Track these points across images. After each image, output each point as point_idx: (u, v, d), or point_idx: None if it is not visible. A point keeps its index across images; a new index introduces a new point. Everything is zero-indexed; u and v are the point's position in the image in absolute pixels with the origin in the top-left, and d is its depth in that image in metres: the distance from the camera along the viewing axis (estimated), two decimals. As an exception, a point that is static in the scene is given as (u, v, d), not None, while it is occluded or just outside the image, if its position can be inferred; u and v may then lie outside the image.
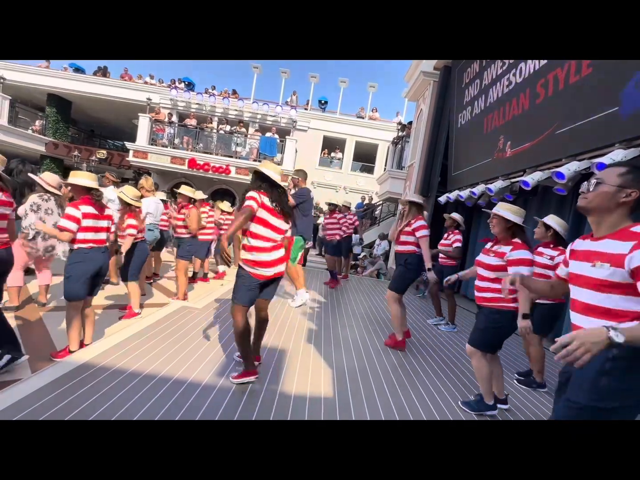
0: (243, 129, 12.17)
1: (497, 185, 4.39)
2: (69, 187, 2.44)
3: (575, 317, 1.20)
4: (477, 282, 2.11)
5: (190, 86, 14.17)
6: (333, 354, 2.76)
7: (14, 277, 3.21)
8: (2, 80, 11.99)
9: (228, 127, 12.13)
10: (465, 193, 5.24)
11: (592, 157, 3.11)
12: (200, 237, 4.32)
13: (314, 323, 3.46)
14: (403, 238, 2.99)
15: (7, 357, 2.03)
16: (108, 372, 1.97)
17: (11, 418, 1.46)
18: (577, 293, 1.20)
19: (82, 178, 2.36)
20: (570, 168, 3.16)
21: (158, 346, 2.40)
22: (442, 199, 6.10)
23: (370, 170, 14.30)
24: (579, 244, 1.27)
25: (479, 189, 4.87)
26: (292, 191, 4.08)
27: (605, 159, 2.77)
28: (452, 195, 5.76)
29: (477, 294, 2.10)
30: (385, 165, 10.72)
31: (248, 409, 1.83)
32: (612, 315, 1.08)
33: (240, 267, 2.10)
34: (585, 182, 1.20)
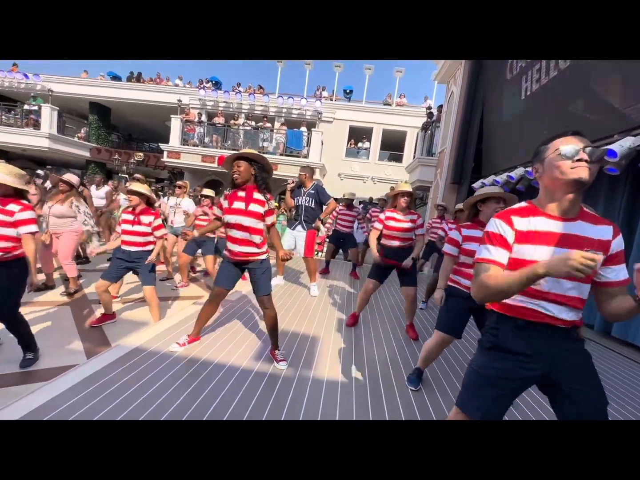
0: (268, 124, 12.31)
1: (538, 167, 4.09)
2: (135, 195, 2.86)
3: (553, 308, 1.04)
4: None
5: (217, 85, 14.54)
6: (363, 343, 2.77)
7: (71, 268, 3.75)
8: (50, 93, 13.02)
9: (253, 123, 12.31)
10: (501, 178, 4.95)
11: (649, 131, 2.80)
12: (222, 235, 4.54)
13: (343, 313, 3.48)
14: None
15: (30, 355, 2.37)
16: (155, 358, 2.12)
17: (69, 401, 1.62)
18: (557, 284, 1.02)
19: (144, 189, 2.85)
20: (623, 144, 2.87)
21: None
22: (477, 185, 5.80)
23: (398, 159, 13.89)
24: (538, 223, 1.04)
25: (517, 172, 4.58)
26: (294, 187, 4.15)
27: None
28: (488, 180, 5.46)
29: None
30: (415, 153, 10.37)
31: (282, 393, 1.89)
32: (581, 305, 1.05)
33: (266, 259, 2.23)
34: (587, 147, 0.97)
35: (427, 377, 2.27)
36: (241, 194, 2.14)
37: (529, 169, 4.21)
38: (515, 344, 1.08)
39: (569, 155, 0.98)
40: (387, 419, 1.77)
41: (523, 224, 1.05)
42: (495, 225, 1.08)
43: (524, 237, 1.04)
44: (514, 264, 1.05)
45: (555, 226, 1.03)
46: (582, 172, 0.96)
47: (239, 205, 2.12)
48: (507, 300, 1.09)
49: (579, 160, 0.96)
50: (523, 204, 1.12)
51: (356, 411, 1.81)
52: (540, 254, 1.01)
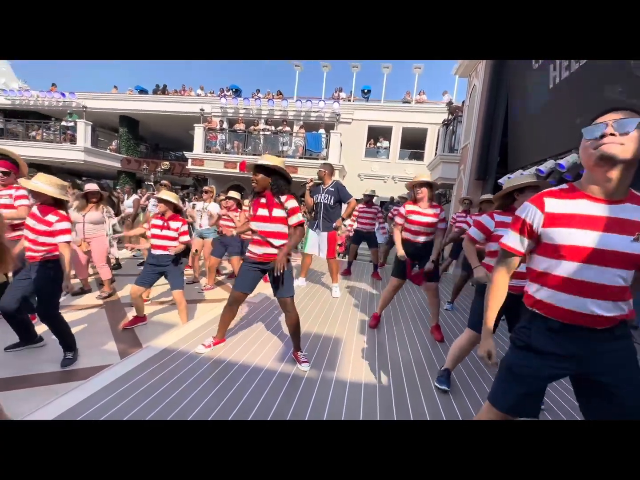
0: (287, 128, 12.46)
1: (570, 159, 3.86)
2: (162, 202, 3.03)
3: (585, 303, 0.94)
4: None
5: (237, 93, 14.91)
6: (387, 344, 2.72)
7: (106, 271, 3.98)
8: (85, 109, 13.89)
9: (273, 127, 12.50)
10: (529, 172, 4.72)
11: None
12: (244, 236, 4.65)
13: (365, 314, 3.45)
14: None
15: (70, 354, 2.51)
16: (182, 359, 2.19)
17: (102, 400, 1.70)
18: (594, 274, 0.93)
19: (172, 197, 3.00)
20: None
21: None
22: (503, 180, 5.57)
23: (419, 157, 13.62)
24: (577, 206, 0.96)
25: (547, 165, 4.33)
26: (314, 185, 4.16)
27: None
28: (514, 175, 5.23)
29: (519, 282, 1.73)
30: (436, 150, 10.12)
31: (305, 394, 1.90)
32: (625, 296, 0.96)
33: (288, 262, 2.22)
34: (611, 120, 0.89)
35: (453, 377, 2.20)
36: (263, 200, 2.21)
37: (560, 161, 3.98)
38: (548, 346, 1.02)
39: (590, 134, 0.93)
40: (412, 419, 1.73)
41: (558, 206, 0.99)
42: (524, 208, 1.05)
43: (557, 220, 0.97)
44: (547, 249, 1.00)
45: (597, 209, 0.94)
46: (608, 148, 0.88)
47: (263, 212, 2.19)
48: (545, 299, 1.03)
49: (602, 136, 0.89)
50: (563, 185, 1.05)
51: (380, 412, 1.78)
52: (579, 239, 0.94)
